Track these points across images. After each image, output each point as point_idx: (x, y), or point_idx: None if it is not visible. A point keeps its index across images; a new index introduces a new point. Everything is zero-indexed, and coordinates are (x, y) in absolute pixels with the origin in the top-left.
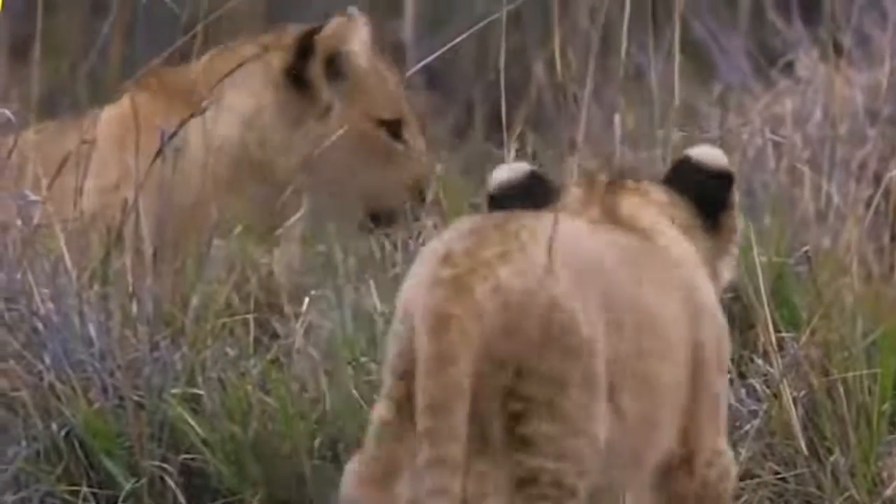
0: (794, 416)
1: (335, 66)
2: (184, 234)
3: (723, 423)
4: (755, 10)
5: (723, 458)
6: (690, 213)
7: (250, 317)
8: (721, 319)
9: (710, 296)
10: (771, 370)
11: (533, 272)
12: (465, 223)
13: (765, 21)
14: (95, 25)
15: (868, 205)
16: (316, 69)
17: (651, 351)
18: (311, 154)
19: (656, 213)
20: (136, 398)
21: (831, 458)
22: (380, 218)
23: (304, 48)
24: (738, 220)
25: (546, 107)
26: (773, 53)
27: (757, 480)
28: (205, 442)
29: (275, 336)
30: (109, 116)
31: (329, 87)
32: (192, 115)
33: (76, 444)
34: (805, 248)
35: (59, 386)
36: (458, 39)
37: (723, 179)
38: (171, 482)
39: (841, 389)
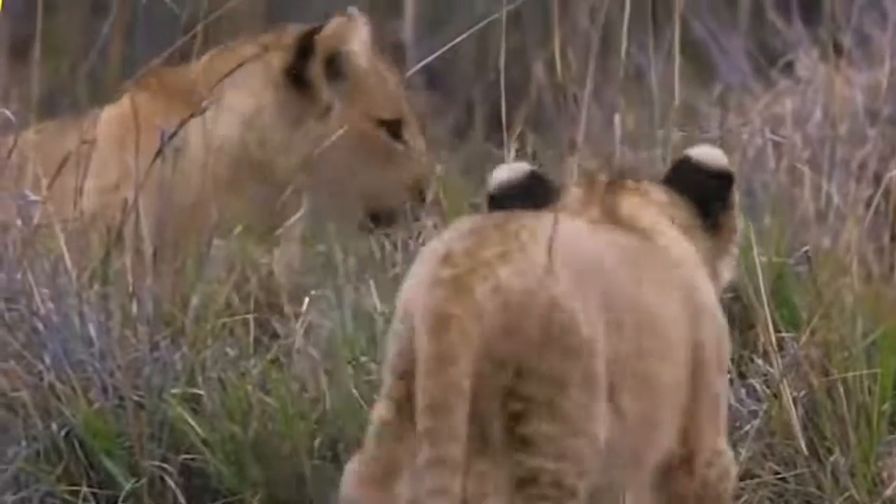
0: (794, 416)
1: (335, 66)
2: (184, 234)
3: (723, 423)
4: (755, 10)
5: (723, 458)
6: (690, 213)
7: (250, 317)
8: (721, 319)
9: (710, 296)
10: (771, 370)
11: (533, 272)
12: (465, 223)
13: (765, 21)
14: (95, 25)
15: (868, 205)
16: (316, 69)
17: (651, 351)
18: (311, 154)
19: (656, 213)
20: (136, 398)
21: (831, 459)
22: (380, 218)
23: (305, 48)
24: (739, 220)
25: (546, 107)
26: (773, 53)
27: (757, 480)
28: (205, 442)
29: (275, 336)
30: (110, 116)
31: (329, 86)
32: (191, 116)
33: (76, 444)
34: (805, 248)
35: (59, 386)
36: (458, 39)
37: (723, 179)
38: (171, 482)
39: (841, 389)
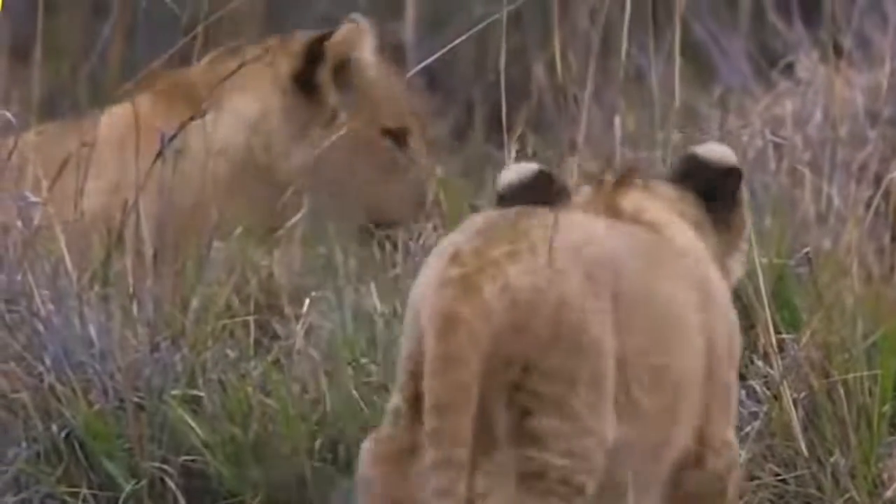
0: (795, 418)
1: (344, 73)
2: (186, 236)
3: (732, 416)
4: (756, 11)
5: (731, 450)
6: (699, 210)
7: (251, 318)
8: (732, 313)
9: (721, 289)
10: (771, 371)
11: (542, 271)
12: (476, 221)
13: (765, 23)
14: (96, 27)
15: (868, 206)
16: (325, 75)
17: (667, 344)
18: (316, 160)
19: (666, 208)
20: (136, 399)
21: (832, 460)
22: (380, 223)
23: (314, 54)
24: (747, 216)
25: (546, 108)
26: (773, 55)
27: (757, 482)
28: (205, 443)
29: (275, 337)
30: (113, 118)
31: (337, 93)
32: (191, 118)
33: (76, 446)
34: (805, 250)
35: (59, 387)
36: (458, 41)
37: (731, 176)
38: (171, 484)
39: (841, 391)
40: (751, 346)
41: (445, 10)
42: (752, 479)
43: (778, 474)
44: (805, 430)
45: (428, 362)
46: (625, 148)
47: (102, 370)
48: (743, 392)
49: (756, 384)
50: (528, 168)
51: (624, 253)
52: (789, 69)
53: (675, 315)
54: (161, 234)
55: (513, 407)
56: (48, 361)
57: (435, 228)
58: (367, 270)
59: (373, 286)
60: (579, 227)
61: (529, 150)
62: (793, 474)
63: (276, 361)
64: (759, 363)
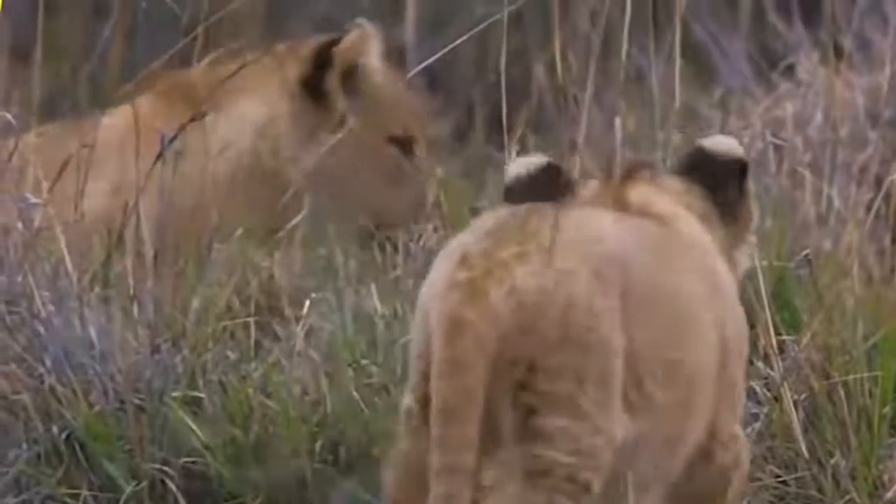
0: (795, 419)
1: (352, 79)
2: (187, 238)
3: (739, 410)
4: (756, 12)
5: (738, 444)
6: (706, 203)
7: (251, 320)
8: (740, 306)
9: (729, 282)
10: (772, 373)
11: (549, 272)
12: (486, 220)
13: (765, 24)
14: (96, 28)
15: (869, 208)
16: (333, 81)
17: (681, 337)
18: (322, 165)
19: (673, 201)
20: (136, 401)
21: (832, 461)
22: (382, 227)
23: (322, 59)
24: (755, 209)
25: (547, 109)
26: (773, 56)
27: (758, 484)
28: (206, 445)
29: (276, 339)
30: (115, 119)
31: (345, 99)
32: (191, 119)
33: (77, 447)
34: (806, 252)
35: (59, 389)
36: (458, 41)
37: (737, 168)
38: (171, 485)
39: (842, 392)
40: (751, 347)
41: (446, 10)
42: (752, 480)
43: (778, 476)
44: (805, 431)
45: (435, 365)
46: (625, 149)
47: (103, 371)
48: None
49: (756, 385)
50: (536, 161)
51: (634, 248)
52: (790, 71)
53: (687, 308)
54: (162, 235)
55: (518, 406)
56: (49, 363)
57: (435, 229)
58: (367, 272)
59: (373, 288)
60: (588, 224)
61: (530, 151)
62: (793, 476)
63: (277, 363)
64: (760, 364)
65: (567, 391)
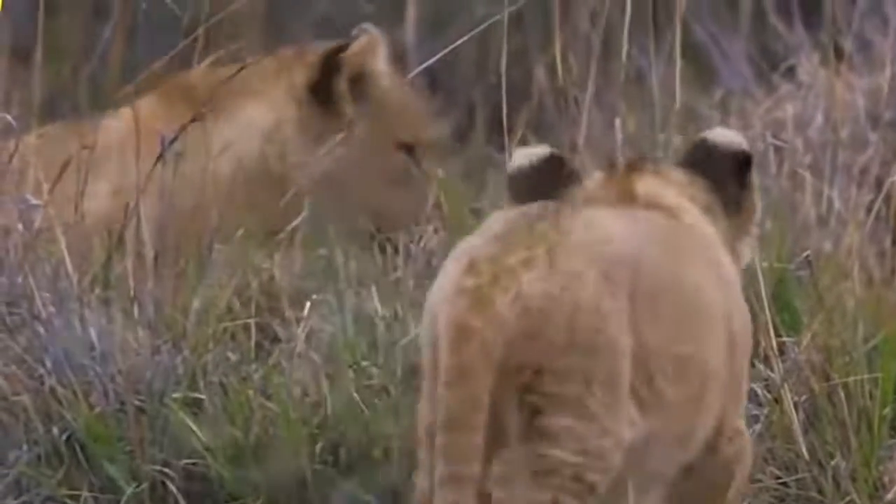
0: (795, 421)
1: (360, 84)
2: (192, 240)
3: (743, 404)
4: (756, 13)
5: (741, 439)
6: (709, 195)
7: (251, 321)
8: (743, 300)
9: (734, 275)
10: (772, 374)
11: (556, 277)
12: (496, 222)
13: (766, 25)
14: (97, 29)
15: (869, 209)
16: (341, 86)
17: (692, 331)
18: (329, 170)
19: (678, 193)
20: (137, 402)
21: (832, 463)
22: (384, 230)
23: (330, 65)
24: (758, 200)
25: (547, 110)
26: (774, 58)
27: (758, 485)
28: (206, 446)
29: (276, 340)
30: (117, 121)
31: (353, 105)
32: (192, 120)
33: (77, 449)
34: (806, 253)
35: (60, 390)
36: (458, 42)
37: (740, 160)
38: (172, 487)
39: (842, 394)
40: (751, 349)
41: (446, 11)
42: (753, 481)
43: (779, 477)
44: (806, 432)
45: (442, 372)
46: (625, 150)
47: (103, 373)
48: None
49: (757, 387)
50: (539, 151)
51: (643, 244)
52: (790, 72)
53: (697, 303)
54: (162, 236)
55: (525, 407)
56: (49, 364)
57: (436, 231)
58: (368, 273)
59: (374, 289)
60: (596, 225)
61: None
62: (793, 477)
63: (277, 364)
64: (760, 366)
65: (574, 393)
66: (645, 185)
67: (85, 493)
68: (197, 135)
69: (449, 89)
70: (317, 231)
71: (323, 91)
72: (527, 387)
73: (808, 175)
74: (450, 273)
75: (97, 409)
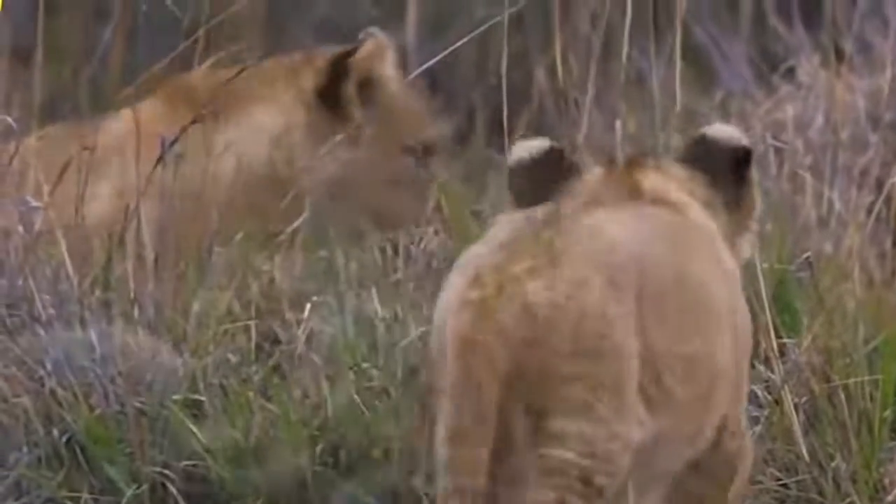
0: (796, 422)
1: (368, 89)
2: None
3: (744, 400)
4: (757, 15)
5: (743, 434)
6: (709, 190)
7: (252, 323)
8: (743, 296)
9: (736, 270)
10: (772, 376)
11: (561, 285)
12: (502, 229)
13: (766, 26)
14: (97, 30)
15: (870, 211)
16: (350, 91)
17: (700, 330)
18: (338, 174)
19: (678, 188)
20: (137, 404)
21: (833, 465)
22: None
23: (338, 70)
24: (758, 196)
25: (548, 112)
26: (774, 59)
27: (759, 486)
28: (206, 448)
29: (276, 342)
30: (119, 123)
31: (361, 109)
32: (193, 122)
33: (78, 451)
34: (807, 255)
35: (60, 392)
36: (459, 43)
37: (740, 155)
38: (172, 488)
39: (842, 395)
40: (752, 351)
41: (447, 13)
42: (753, 483)
43: (779, 479)
44: (806, 434)
45: (447, 384)
46: (626, 151)
47: (104, 374)
48: None
49: (757, 388)
50: (539, 144)
51: (648, 244)
52: (790, 73)
53: (704, 300)
54: (163, 238)
55: (531, 412)
56: (49, 366)
57: (436, 233)
58: (368, 275)
59: (374, 291)
60: (601, 229)
61: None
62: (794, 479)
63: (278, 366)
64: (761, 367)
65: (581, 397)
66: (651, 180)
67: (85, 495)
68: (203, 137)
69: (449, 91)
70: (317, 233)
71: (331, 96)
72: (533, 392)
73: (808, 176)
74: (455, 285)
75: (97, 411)
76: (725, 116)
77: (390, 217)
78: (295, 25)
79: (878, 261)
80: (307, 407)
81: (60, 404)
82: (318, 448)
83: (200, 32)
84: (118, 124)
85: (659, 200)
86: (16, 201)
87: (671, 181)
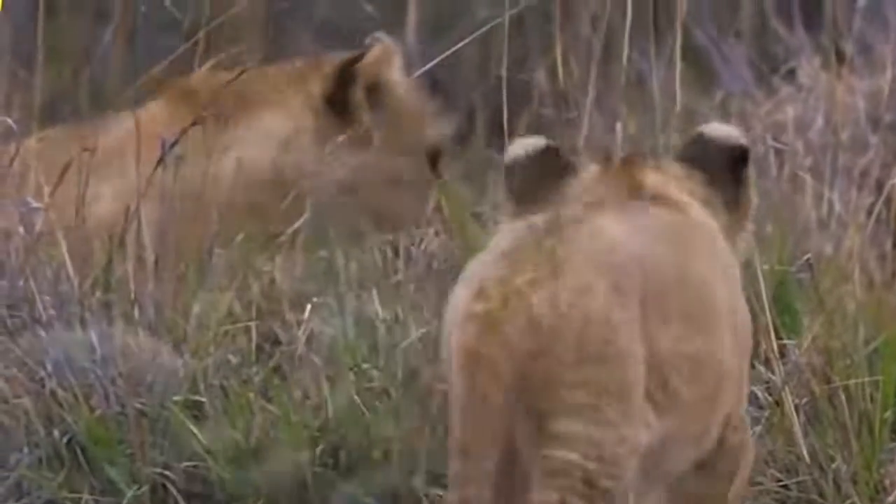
0: (796, 423)
1: (376, 93)
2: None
3: (745, 396)
4: (757, 16)
5: (744, 429)
6: (707, 189)
7: (252, 324)
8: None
9: (737, 270)
10: (773, 377)
11: (565, 294)
12: (504, 238)
13: (767, 28)
14: (97, 32)
15: (870, 212)
16: (358, 96)
17: (704, 330)
18: (346, 179)
19: (677, 187)
20: (138, 405)
21: (833, 466)
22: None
23: (346, 76)
24: (754, 195)
25: (548, 113)
26: (774, 60)
27: (759, 487)
28: (207, 449)
29: (277, 343)
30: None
31: (369, 114)
32: (193, 123)
33: (78, 451)
34: (807, 256)
35: (61, 393)
36: (460, 45)
37: (737, 154)
38: (172, 489)
39: (843, 397)
40: (752, 351)
41: (448, 14)
42: (753, 484)
43: (780, 480)
44: (806, 435)
45: (454, 397)
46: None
47: (104, 376)
48: None
49: (758, 389)
50: (535, 142)
51: (651, 245)
52: (791, 75)
53: (708, 299)
54: (163, 240)
55: (535, 415)
56: (50, 367)
57: (437, 234)
58: (368, 276)
59: (374, 292)
60: (602, 234)
61: None
62: (794, 480)
63: (278, 367)
64: (761, 368)
65: (587, 402)
66: (651, 179)
67: (86, 496)
68: (207, 140)
69: (450, 92)
70: (318, 234)
71: (339, 101)
72: (538, 398)
73: (808, 177)
74: (460, 298)
75: (98, 412)
76: (726, 118)
77: (391, 218)
78: (295, 27)
79: (878, 262)
80: (307, 408)
81: (61, 405)
82: (319, 449)
83: (200, 34)
84: (118, 126)
85: (659, 199)
86: (16, 202)
87: (670, 180)
